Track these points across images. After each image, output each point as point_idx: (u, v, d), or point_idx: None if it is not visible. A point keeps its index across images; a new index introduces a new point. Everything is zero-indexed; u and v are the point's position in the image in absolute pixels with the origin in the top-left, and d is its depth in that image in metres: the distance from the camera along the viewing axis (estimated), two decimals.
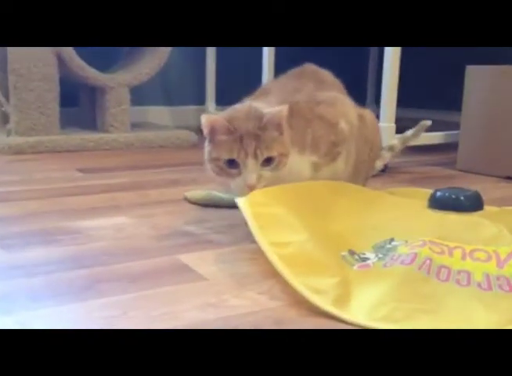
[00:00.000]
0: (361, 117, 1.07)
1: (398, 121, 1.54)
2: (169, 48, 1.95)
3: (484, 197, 0.96)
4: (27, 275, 0.73)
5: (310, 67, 1.08)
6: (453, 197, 0.87)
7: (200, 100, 2.41)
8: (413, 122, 2.25)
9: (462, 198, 0.87)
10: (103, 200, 1.14)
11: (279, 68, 1.97)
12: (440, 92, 2.40)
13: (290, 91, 1.01)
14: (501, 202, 1.12)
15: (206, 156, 0.92)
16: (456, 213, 0.85)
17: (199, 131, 2.38)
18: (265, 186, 0.86)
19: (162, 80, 2.29)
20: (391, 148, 1.45)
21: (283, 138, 0.89)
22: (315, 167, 0.97)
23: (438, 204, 0.88)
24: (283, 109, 0.88)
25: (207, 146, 0.92)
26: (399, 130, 1.53)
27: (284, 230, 0.75)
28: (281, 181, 0.89)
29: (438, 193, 0.89)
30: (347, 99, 1.06)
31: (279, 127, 0.88)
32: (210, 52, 2.31)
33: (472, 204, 0.88)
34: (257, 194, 0.81)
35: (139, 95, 2.14)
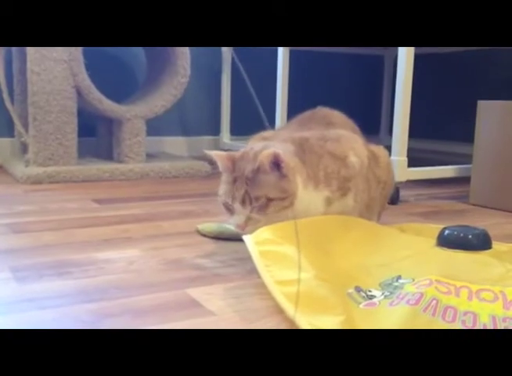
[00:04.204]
0: (374, 156, 1.09)
1: (410, 151, 1.54)
2: (186, 80, 1.99)
3: (494, 233, 0.96)
4: (37, 308, 0.75)
5: (321, 110, 1.11)
6: (461, 235, 0.87)
7: (215, 131, 2.44)
8: (426, 153, 2.27)
9: (470, 237, 0.87)
10: (116, 231, 1.16)
11: (293, 99, 2.02)
12: (452, 123, 2.41)
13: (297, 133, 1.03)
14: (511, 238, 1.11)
15: None
16: (464, 252, 0.85)
17: (213, 161, 2.40)
18: (261, 226, 0.86)
19: (178, 111, 2.34)
20: None
21: (285, 180, 0.90)
22: (328, 201, 0.98)
23: (447, 242, 0.88)
24: (277, 150, 0.88)
25: None
26: (412, 162, 1.53)
27: (290, 268, 0.75)
28: (296, 216, 0.90)
29: (447, 232, 0.89)
30: (357, 136, 1.07)
31: (278, 168, 0.89)
32: (226, 84, 2.35)
33: (480, 242, 0.88)
34: (264, 231, 0.83)
35: (155, 126, 2.18)
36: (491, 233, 0.95)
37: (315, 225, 0.91)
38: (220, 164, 0.95)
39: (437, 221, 1.31)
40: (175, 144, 2.43)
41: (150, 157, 2.02)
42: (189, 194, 1.63)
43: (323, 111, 1.14)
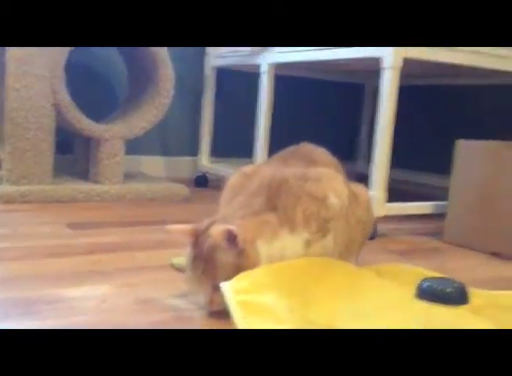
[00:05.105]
0: (354, 196, 1.08)
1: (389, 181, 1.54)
2: (168, 101, 1.96)
3: (468, 276, 0.96)
4: None
5: (304, 147, 1.10)
6: (440, 288, 0.87)
7: (195, 152, 2.43)
8: (406, 185, 2.29)
9: (448, 290, 0.87)
10: (88, 263, 1.13)
11: (274, 126, 2.01)
12: (432, 155, 2.43)
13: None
14: (484, 283, 1.12)
15: None
16: (443, 305, 0.85)
17: (191, 182, 2.36)
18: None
19: (158, 130, 2.31)
20: None
21: (243, 256, 0.86)
22: (307, 244, 0.97)
23: (425, 294, 0.87)
24: (224, 231, 0.85)
25: None
26: (391, 196, 1.54)
27: (267, 320, 0.74)
28: (275, 261, 0.89)
29: (426, 284, 0.89)
30: (338, 175, 1.07)
31: (234, 243, 0.86)
32: (208, 105, 2.34)
33: (458, 296, 0.87)
34: (242, 279, 0.81)
35: (134, 145, 2.15)
36: (461, 276, 0.95)
37: (294, 269, 0.90)
38: (184, 239, 0.92)
39: (412, 259, 1.32)
40: (153, 164, 2.41)
41: (127, 177, 1.98)
42: (164, 220, 1.60)
43: (307, 148, 1.12)
